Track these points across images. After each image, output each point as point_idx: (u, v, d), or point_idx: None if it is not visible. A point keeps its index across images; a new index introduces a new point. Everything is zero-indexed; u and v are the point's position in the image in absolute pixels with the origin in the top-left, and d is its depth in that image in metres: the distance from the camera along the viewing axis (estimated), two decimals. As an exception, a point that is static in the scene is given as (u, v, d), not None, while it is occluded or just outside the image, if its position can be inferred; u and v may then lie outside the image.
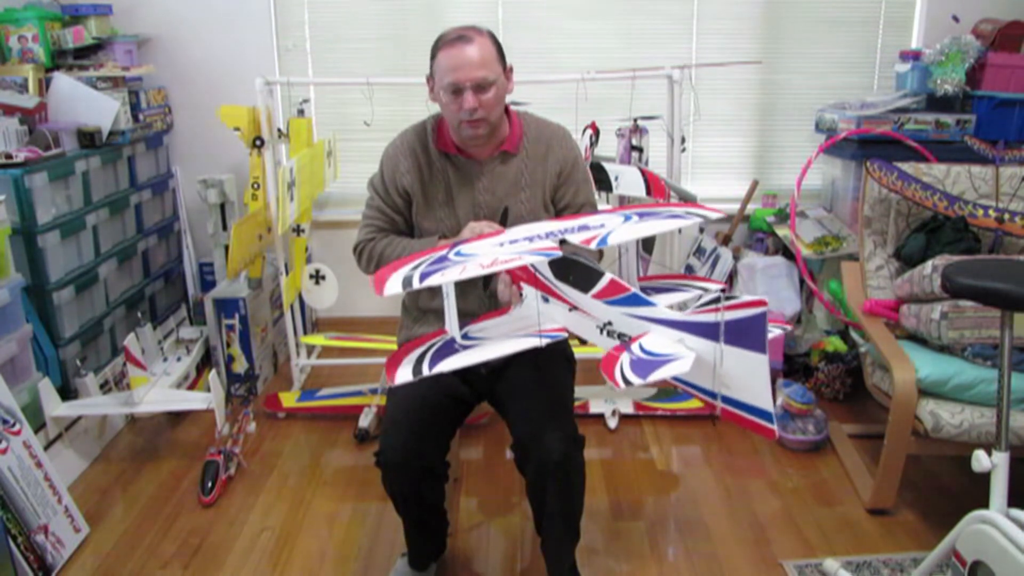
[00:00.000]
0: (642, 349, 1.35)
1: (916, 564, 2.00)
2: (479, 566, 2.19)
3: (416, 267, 1.40)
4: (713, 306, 1.26)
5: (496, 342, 1.55)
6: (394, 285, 1.34)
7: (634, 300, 1.43)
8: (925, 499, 2.43)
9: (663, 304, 1.40)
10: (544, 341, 1.53)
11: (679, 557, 2.19)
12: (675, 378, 1.36)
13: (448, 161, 1.93)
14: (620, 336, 1.45)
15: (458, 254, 1.46)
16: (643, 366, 1.29)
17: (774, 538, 2.26)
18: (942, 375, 2.18)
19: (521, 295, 1.65)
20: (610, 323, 1.46)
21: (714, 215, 1.63)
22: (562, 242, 1.51)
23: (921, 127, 3.13)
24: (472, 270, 1.35)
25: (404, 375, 1.45)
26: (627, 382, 1.27)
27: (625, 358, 1.32)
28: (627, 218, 1.55)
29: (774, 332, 1.47)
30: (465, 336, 1.59)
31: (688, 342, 1.33)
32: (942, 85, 3.18)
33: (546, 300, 1.58)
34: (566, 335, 1.57)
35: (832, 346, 3.12)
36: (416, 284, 1.33)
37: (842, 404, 3.06)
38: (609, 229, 1.47)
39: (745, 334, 1.24)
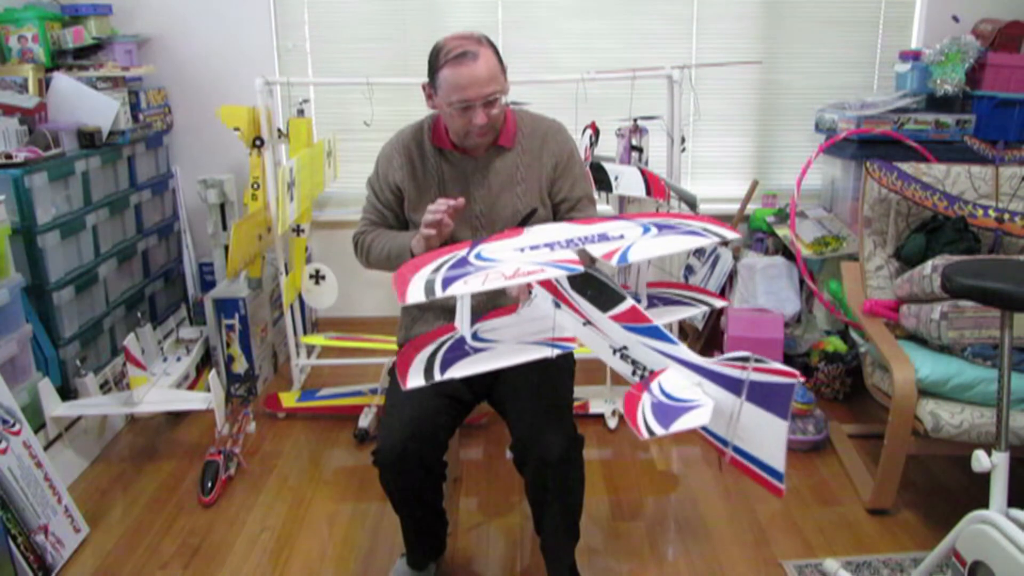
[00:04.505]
0: (662, 391, 1.30)
1: (916, 564, 2.00)
2: (479, 566, 2.19)
3: (437, 270, 1.34)
4: (741, 363, 1.23)
5: (508, 350, 1.52)
6: (416, 293, 1.28)
7: (655, 333, 1.39)
8: (925, 499, 2.43)
9: (670, 318, 1.36)
10: (555, 352, 1.50)
11: (679, 557, 2.19)
12: None
13: (443, 157, 1.95)
14: (634, 363, 1.42)
15: (479, 256, 1.41)
16: (665, 413, 1.25)
17: (774, 538, 2.26)
18: (942, 375, 2.18)
19: (530, 292, 1.65)
20: (625, 348, 1.43)
21: (731, 235, 1.58)
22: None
23: (921, 127, 3.13)
24: (494, 281, 1.29)
25: (415, 381, 1.43)
26: (651, 432, 1.22)
27: (646, 400, 1.28)
28: (646, 229, 1.50)
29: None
30: (475, 336, 1.57)
31: (707, 388, 1.29)
32: (942, 85, 3.18)
33: (558, 306, 1.56)
34: (576, 346, 1.54)
35: (832, 346, 3.12)
36: (439, 293, 1.27)
37: (842, 404, 3.06)
38: (630, 242, 1.42)
39: (770, 398, 1.21)
